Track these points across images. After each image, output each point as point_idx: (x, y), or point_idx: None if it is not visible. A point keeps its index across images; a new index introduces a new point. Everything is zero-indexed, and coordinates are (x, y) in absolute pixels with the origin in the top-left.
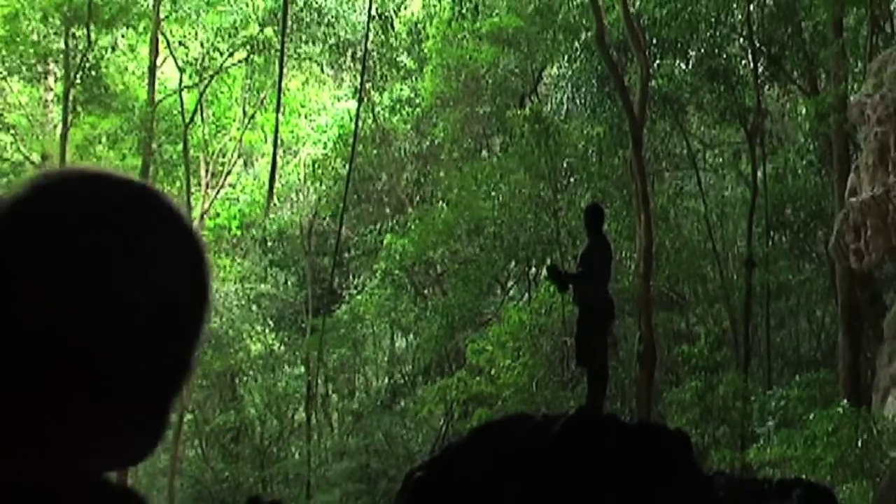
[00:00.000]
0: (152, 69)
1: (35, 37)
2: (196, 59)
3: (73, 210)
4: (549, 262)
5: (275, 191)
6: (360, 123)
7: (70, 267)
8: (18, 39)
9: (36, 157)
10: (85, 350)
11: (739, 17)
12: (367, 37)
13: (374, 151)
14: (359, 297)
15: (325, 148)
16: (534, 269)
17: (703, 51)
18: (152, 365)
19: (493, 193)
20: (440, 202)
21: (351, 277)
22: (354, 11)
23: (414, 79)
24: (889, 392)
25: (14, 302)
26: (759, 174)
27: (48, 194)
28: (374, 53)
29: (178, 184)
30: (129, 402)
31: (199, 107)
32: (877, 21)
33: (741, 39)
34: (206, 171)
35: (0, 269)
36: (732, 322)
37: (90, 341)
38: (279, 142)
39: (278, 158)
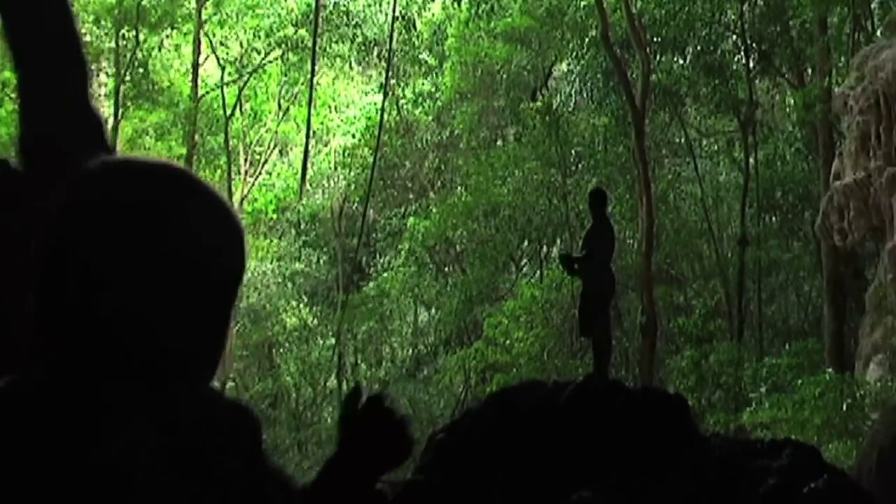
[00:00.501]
0: (195, 67)
1: (88, 37)
2: (236, 58)
3: (125, 194)
4: (558, 241)
5: (307, 177)
6: (385, 115)
7: (123, 243)
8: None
9: None
10: (136, 317)
11: (732, 16)
12: (391, 36)
13: (399, 141)
14: (385, 274)
15: (353, 138)
16: (545, 249)
17: (699, 47)
18: (198, 325)
19: (507, 179)
20: (459, 187)
21: (378, 256)
22: (380, 13)
23: (435, 74)
24: (871, 359)
25: (79, 274)
26: (751, 160)
27: (101, 180)
28: (398, 51)
29: (219, 172)
30: (181, 360)
31: (238, 101)
32: (858, 20)
33: (734, 37)
34: (245, 159)
35: (66, 245)
36: (727, 296)
37: (140, 309)
38: (311, 133)
39: (310, 148)
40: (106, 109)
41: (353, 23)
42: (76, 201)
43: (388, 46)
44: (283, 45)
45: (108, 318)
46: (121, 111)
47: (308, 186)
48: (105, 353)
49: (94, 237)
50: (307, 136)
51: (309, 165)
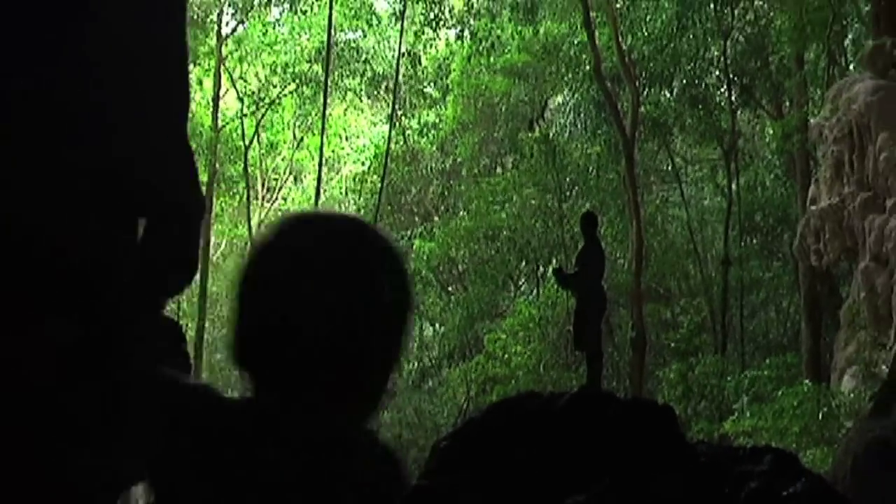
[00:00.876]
0: (216, 100)
1: None
2: (254, 91)
3: (313, 244)
4: (554, 262)
5: (320, 202)
6: (392, 144)
7: (314, 284)
8: None
9: None
10: (324, 350)
11: (716, 52)
12: (398, 71)
13: (405, 168)
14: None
15: (363, 166)
16: (542, 269)
17: (685, 81)
18: (376, 353)
19: (506, 204)
20: (461, 212)
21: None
22: (388, 49)
23: (438, 106)
24: (845, 372)
25: (280, 313)
26: (734, 186)
27: (294, 231)
28: (405, 85)
29: (238, 197)
30: (364, 381)
31: (256, 131)
32: (833, 55)
33: (717, 71)
34: (262, 185)
35: (269, 286)
36: (711, 312)
37: (327, 345)
38: (324, 160)
39: (323, 175)
40: None
41: (363, 59)
42: (277, 250)
43: (394, 80)
44: (298, 80)
45: (298, 353)
46: None
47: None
48: (300, 380)
49: (291, 282)
50: (320, 164)
51: (321, 191)
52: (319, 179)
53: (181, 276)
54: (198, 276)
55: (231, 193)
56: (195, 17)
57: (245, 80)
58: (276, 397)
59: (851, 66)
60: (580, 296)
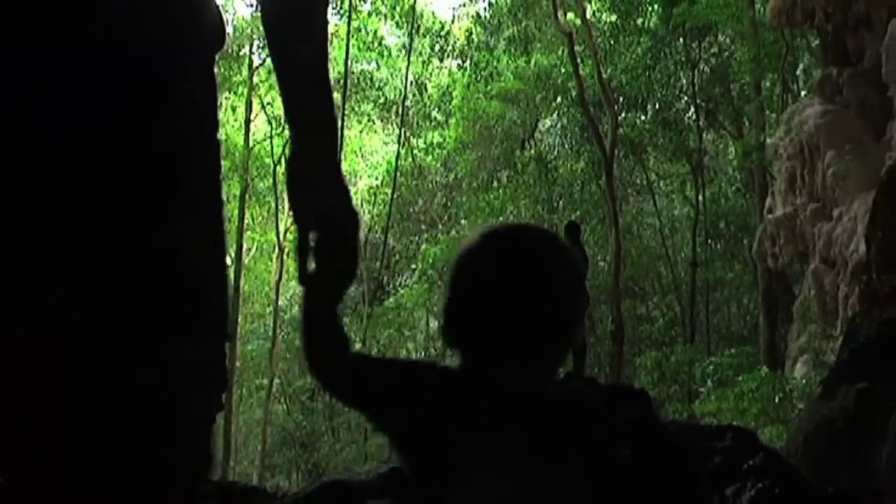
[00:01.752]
0: (247, 122)
1: None
2: (281, 115)
3: (516, 242)
4: None
5: None
6: (401, 161)
7: (520, 273)
8: None
9: None
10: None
11: (684, 80)
12: (405, 97)
13: (413, 182)
14: (402, 291)
15: (376, 180)
16: None
17: (657, 106)
18: (565, 324)
19: (501, 215)
20: (463, 220)
21: (396, 276)
22: (398, 78)
23: (442, 128)
24: (797, 360)
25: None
26: (700, 198)
27: (497, 239)
28: (413, 109)
29: (267, 207)
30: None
31: (283, 150)
32: (786, 83)
33: (686, 97)
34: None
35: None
36: (681, 308)
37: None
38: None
39: (351, 189)
40: None
41: (376, 86)
42: (489, 247)
43: (403, 105)
44: None
45: (510, 326)
46: None
47: None
48: (499, 350)
49: (504, 271)
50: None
51: None
52: None
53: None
54: (232, 276)
55: (261, 204)
56: (230, 50)
57: (273, 106)
58: (490, 363)
59: (803, 93)
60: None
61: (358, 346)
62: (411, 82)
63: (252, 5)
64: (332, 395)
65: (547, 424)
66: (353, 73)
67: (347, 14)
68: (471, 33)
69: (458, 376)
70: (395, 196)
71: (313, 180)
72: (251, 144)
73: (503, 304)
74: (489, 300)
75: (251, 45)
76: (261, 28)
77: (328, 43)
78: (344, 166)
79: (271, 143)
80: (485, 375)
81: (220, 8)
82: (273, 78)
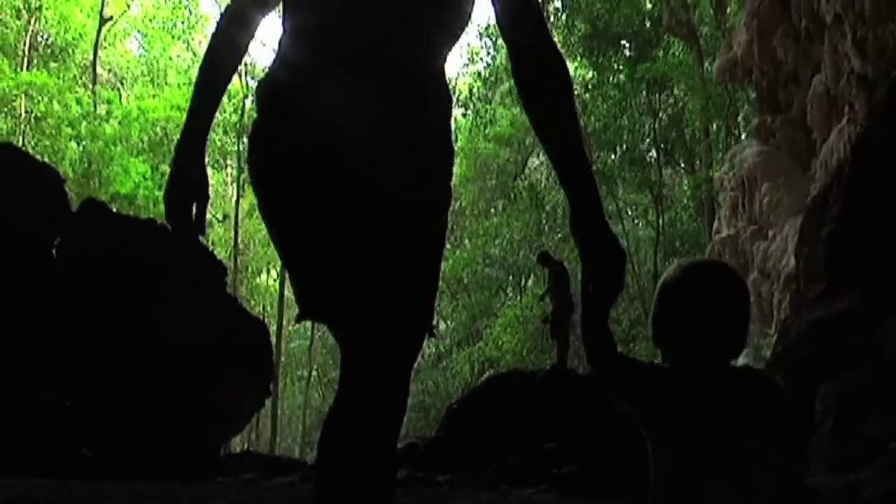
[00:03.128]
0: None
1: (218, 142)
2: None
3: (715, 280)
4: (532, 278)
5: None
6: None
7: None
8: (211, 146)
9: (220, 216)
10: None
11: (647, 126)
12: None
13: None
14: None
15: None
16: (523, 282)
17: (625, 147)
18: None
19: (497, 237)
20: (466, 241)
21: None
22: None
23: (456, 162)
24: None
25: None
26: (660, 222)
27: (698, 271)
28: None
29: None
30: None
31: None
32: (730, 128)
33: (648, 140)
34: None
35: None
36: (644, 312)
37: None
38: None
39: None
40: (231, 190)
41: None
42: (693, 276)
43: None
44: None
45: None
46: (241, 192)
47: None
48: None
49: (704, 293)
50: None
51: None
52: None
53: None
54: (278, 288)
55: None
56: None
57: None
58: (699, 359)
59: (743, 136)
60: (556, 302)
61: None
62: None
63: None
64: (603, 380)
65: (739, 390)
66: None
67: None
68: (472, 87)
69: (676, 370)
70: None
71: (592, 227)
72: None
73: (711, 318)
74: (700, 315)
75: None
76: None
77: (573, 103)
78: None
79: None
80: (695, 367)
81: None
82: None
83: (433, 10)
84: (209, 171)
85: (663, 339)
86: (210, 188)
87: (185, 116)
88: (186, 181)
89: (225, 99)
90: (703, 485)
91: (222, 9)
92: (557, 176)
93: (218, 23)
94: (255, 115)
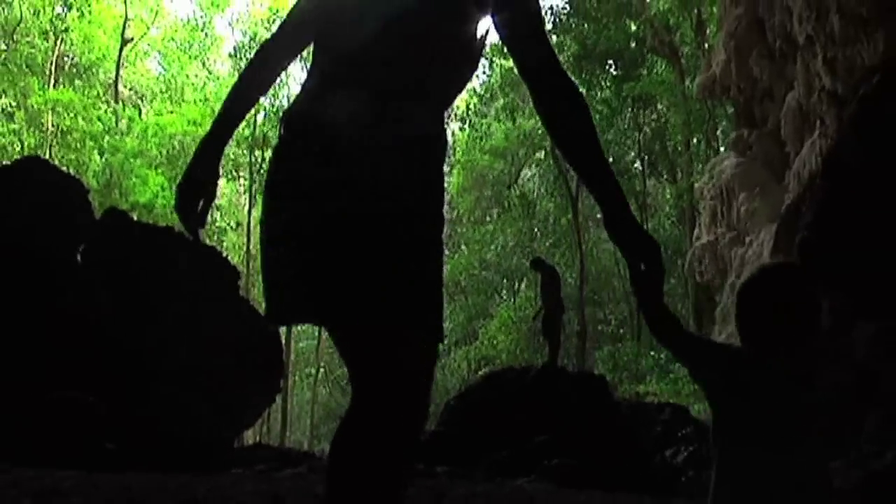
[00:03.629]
0: None
1: (232, 155)
2: None
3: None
4: (524, 281)
5: None
6: None
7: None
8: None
9: (233, 224)
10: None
11: (632, 139)
12: None
13: None
14: None
15: None
16: (517, 285)
17: (612, 159)
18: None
19: (492, 243)
20: (463, 246)
21: None
22: None
23: (447, 175)
24: None
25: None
26: (645, 228)
27: (774, 274)
28: None
29: None
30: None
31: None
32: (710, 141)
33: (633, 152)
34: None
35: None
36: (630, 313)
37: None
38: None
39: None
40: (244, 199)
41: None
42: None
43: None
44: None
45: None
46: (252, 201)
47: None
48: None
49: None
50: None
51: None
52: None
53: None
54: None
55: None
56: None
57: None
58: (767, 351)
59: (722, 149)
60: (548, 304)
61: None
62: None
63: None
64: (675, 354)
65: (793, 383)
66: None
67: None
68: (469, 104)
69: (745, 354)
70: None
71: (625, 226)
72: None
73: (783, 317)
74: (778, 314)
75: None
76: None
77: (592, 124)
78: None
79: None
80: (762, 357)
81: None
82: None
83: (447, 68)
84: (223, 181)
85: (741, 332)
86: (221, 195)
87: (200, 131)
88: (197, 181)
89: None
90: (763, 479)
91: (235, 31)
92: (587, 188)
93: (252, 59)
94: (280, 133)
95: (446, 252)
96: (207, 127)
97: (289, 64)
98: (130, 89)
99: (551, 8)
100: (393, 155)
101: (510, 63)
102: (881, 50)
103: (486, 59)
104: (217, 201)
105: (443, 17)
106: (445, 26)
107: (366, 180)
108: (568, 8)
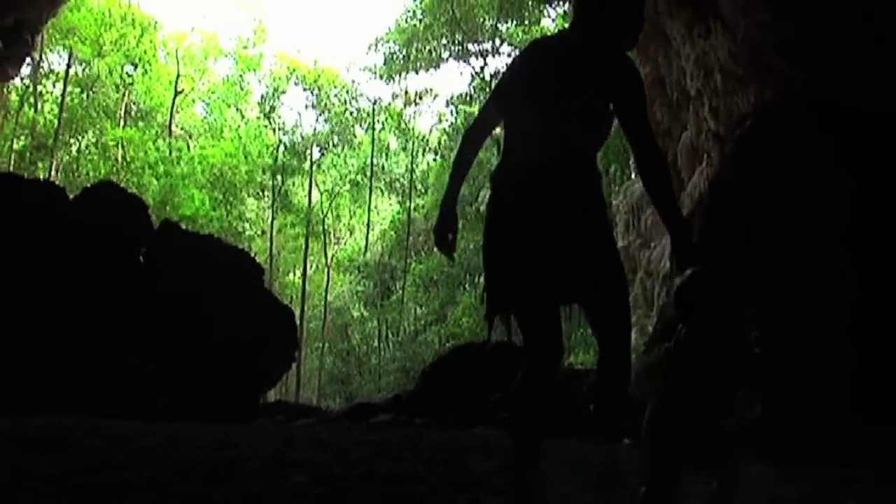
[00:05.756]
0: (310, 193)
1: (259, 180)
2: (329, 188)
3: None
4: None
5: (368, 245)
6: (401, 216)
7: None
8: (250, 182)
9: (259, 231)
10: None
11: None
12: (411, 179)
13: (407, 228)
14: (401, 291)
15: (385, 226)
16: (476, 279)
17: None
18: None
19: (458, 248)
20: (435, 249)
21: (396, 283)
22: (400, 166)
23: (424, 195)
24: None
25: None
26: None
27: (699, 276)
28: (408, 185)
29: (319, 242)
30: None
31: (330, 207)
32: (623, 168)
33: None
34: (335, 237)
35: None
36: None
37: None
38: (370, 223)
39: (366, 232)
40: (268, 214)
41: (386, 172)
42: None
43: (405, 182)
44: (352, 182)
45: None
46: (275, 214)
47: (365, 249)
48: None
49: None
50: (367, 226)
51: (368, 240)
52: (369, 235)
53: None
54: (300, 284)
55: (318, 241)
56: (298, 149)
57: (325, 184)
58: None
59: (633, 175)
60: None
61: (374, 323)
62: (407, 169)
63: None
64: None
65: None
66: (373, 164)
67: (370, 129)
68: (440, 140)
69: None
70: (397, 235)
71: (681, 248)
72: (312, 205)
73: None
74: (700, 303)
75: (311, 148)
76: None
77: (670, 183)
78: (364, 219)
79: (321, 205)
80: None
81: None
82: (325, 166)
83: (589, 138)
84: (252, 201)
85: (679, 314)
86: (249, 210)
87: (234, 161)
88: (446, 224)
89: (263, 148)
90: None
91: (261, 85)
92: (662, 220)
93: (462, 141)
94: (490, 186)
95: (423, 254)
96: (241, 157)
97: (484, 141)
98: (181, 129)
99: (497, 69)
100: (561, 192)
101: (471, 109)
102: (752, 101)
103: (455, 105)
104: (247, 215)
105: (586, 102)
106: (590, 107)
107: (544, 210)
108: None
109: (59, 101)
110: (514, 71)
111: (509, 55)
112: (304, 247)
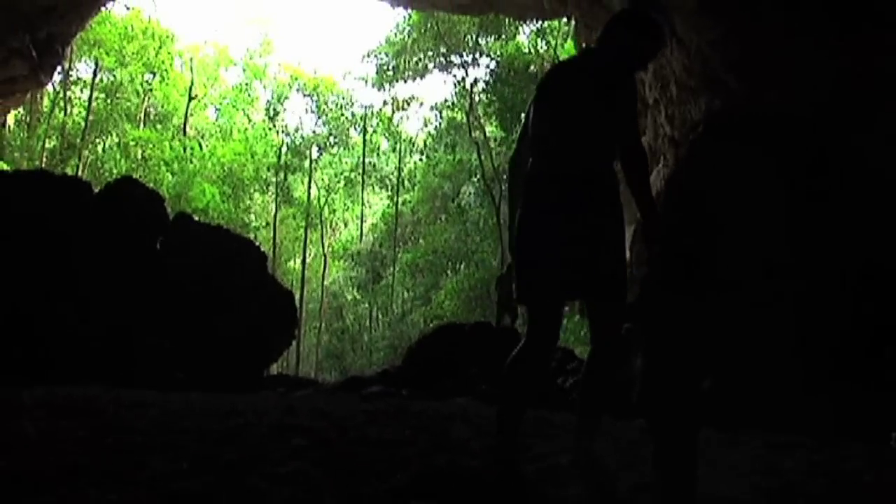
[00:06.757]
0: (309, 189)
1: (263, 177)
2: (327, 184)
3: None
4: (462, 265)
5: (361, 235)
6: (390, 210)
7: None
8: (256, 178)
9: (263, 223)
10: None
11: None
12: (398, 177)
13: (396, 220)
14: (390, 276)
15: (376, 219)
16: (457, 266)
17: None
18: None
19: (442, 238)
20: (420, 240)
21: (386, 269)
22: (390, 165)
23: (412, 192)
24: None
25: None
26: None
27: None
28: (397, 182)
29: (318, 233)
30: None
31: (327, 203)
32: None
33: None
34: (332, 227)
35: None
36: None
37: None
38: (363, 217)
39: (363, 224)
40: (272, 207)
41: (381, 170)
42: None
43: (394, 180)
44: (347, 179)
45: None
46: (278, 210)
47: (359, 239)
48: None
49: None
50: (361, 219)
51: (362, 231)
52: (362, 226)
53: None
54: (300, 270)
55: (316, 232)
56: (299, 149)
57: (322, 179)
58: None
59: None
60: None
61: (365, 306)
62: (396, 167)
63: (314, 126)
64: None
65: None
66: (365, 163)
67: (363, 132)
68: (426, 141)
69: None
70: (388, 227)
71: (647, 224)
72: (311, 199)
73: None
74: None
75: (311, 148)
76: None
77: (647, 173)
78: (357, 212)
79: (318, 199)
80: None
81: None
82: (322, 165)
83: (617, 142)
84: (258, 195)
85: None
86: (255, 203)
87: (242, 159)
88: (513, 234)
89: (268, 148)
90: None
91: (267, 91)
92: (635, 202)
93: (510, 169)
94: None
95: (409, 244)
96: (248, 156)
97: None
98: (195, 130)
99: (477, 79)
100: (602, 199)
101: (453, 114)
102: (703, 109)
103: (438, 111)
104: (253, 208)
105: (603, 118)
106: (604, 122)
107: (586, 215)
108: (493, 77)
109: (86, 105)
110: (560, 87)
111: (488, 66)
112: (303, 237)
